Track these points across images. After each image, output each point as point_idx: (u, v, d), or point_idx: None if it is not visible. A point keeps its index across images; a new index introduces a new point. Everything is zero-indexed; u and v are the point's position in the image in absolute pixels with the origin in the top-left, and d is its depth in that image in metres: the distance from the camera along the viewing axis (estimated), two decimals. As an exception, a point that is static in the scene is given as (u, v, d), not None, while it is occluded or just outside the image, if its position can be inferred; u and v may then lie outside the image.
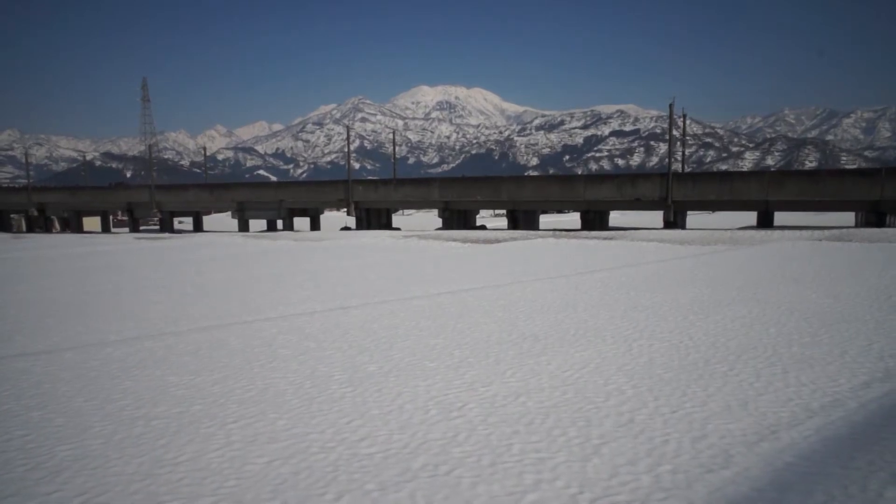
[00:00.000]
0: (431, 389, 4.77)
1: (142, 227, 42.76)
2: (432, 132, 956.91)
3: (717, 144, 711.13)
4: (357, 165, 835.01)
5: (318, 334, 6.67)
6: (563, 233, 23.44)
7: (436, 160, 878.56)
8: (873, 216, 22.13)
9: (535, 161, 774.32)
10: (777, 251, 13.80)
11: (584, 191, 26.75)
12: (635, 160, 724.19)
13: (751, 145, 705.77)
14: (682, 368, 5.21)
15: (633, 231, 22.34)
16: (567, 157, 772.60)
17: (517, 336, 6.41)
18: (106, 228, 47.70)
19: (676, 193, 24.86)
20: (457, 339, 6.35)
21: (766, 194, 23.83)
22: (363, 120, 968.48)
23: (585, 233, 22.82)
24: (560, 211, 44.12)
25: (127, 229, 44.50)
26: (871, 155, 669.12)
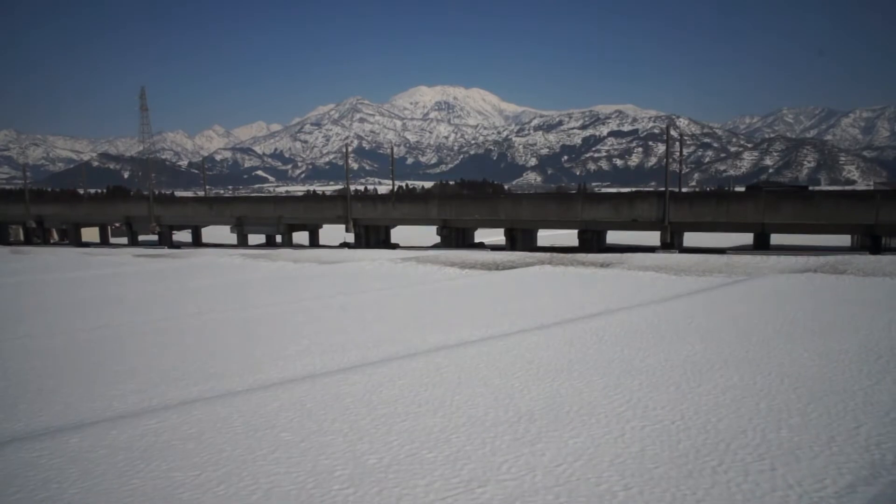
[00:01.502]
0: (430, 491, 4.92)
1: (140, 238, 42.85)
2: (431, 132, 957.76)
3: (715, 145, 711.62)
4: (355, 166, 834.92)
5: (318, 411, 6.83)
6: (560, 255, 23.60)
7: (434, 160, 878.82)
8: (868, 239, 22.37)
9: (533, 161, 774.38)
10: (771, 289, 13.96)
11: (582, 211, 26.98)
12: (633, 160, 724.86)
13: (749, 145, 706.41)
14: (672, 462, 5.37)
15: (629, 255, 22.49)
16: (565, 157, 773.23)
17: (513, 414, 6.57)
18: (104, 239, 47.84)
19: (673, 215, 25.08)
20: (454, 418, 6.50)
21: (762, 217, 24.07)
22: (361, 120, 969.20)
23: (582, 255, 22.99)
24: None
25: (126, 239, 44.64)
26: (869, 155, 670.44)
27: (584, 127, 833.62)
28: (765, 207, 23.85)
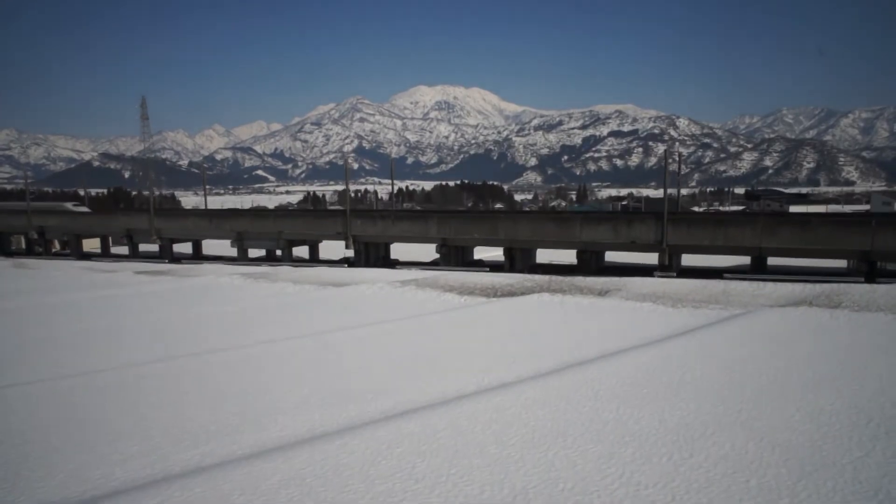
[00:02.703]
0: None
1: (141, 249, 43.05)
2: (431, 132, 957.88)
3: (715, 145, 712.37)
4: (355, 166, 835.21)
5: (318, 487, 6.95)
6: (559, 278, 23.73)
7: (434, 160, 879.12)
8: (864, 265, 22.57)
9: (533, 161, 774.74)
10: (766, 330, 14.10)
11: (581, 231, 27.13)
12: (633, 160, 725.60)
13: (749, 146, 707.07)
14: (662, 557, 5.50)
15: (628, 279, 22.64)
16: (565, 157, 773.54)
17: (508, 493, 6.70)
18: (105, 249, 48.01)
19: (671, 237, 25.24)
20: (451, 497, 6.63)
21: (760, 241, 24.25)
22: (361, 120, 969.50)
23: (581, 279, 23.16)
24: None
25: (127, 247, 44.80)
26: (868, 156, 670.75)
27: (584, 127, 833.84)
28: (762, 231, 24.03)
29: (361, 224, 32.33)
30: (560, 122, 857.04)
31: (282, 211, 35.92)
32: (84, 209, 54.62)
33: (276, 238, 34.63)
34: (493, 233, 29.13)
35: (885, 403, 9.40)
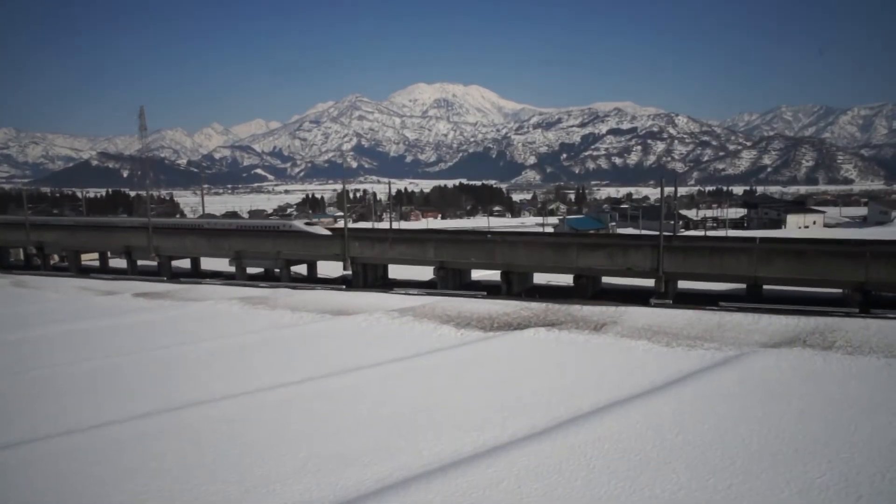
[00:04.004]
0: None
1: (140, 263, 42.96)
2: (430, 130, 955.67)
3: (714, 143, 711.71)
4: (354, 164, 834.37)
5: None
6: (556, 306, 23.87)
7: (433, 159, 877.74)
8: (859, 294, 22.71)
9: (532, 160, 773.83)
10: (759, 380, 14.22)
11: (577, 258, 27.26)
12: (632, 159, 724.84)
13: (748, 144, 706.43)
14: None
15: (624, 309, 22.79)
16: (564, 155, 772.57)
17: None
18: (104, 263, 48.03)
19: (667, 265, 25.38)
20: None
21: (755, 270, 24.40)
22: (360, 118, 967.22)
23: (577, 307, 23.36)
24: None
25: (126, 258, 44.75)
26: (867, 154, 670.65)
27: (583, 125, 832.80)
28: (757, 261, 24.20)
29: (359, 247, 32.43)
30: (559, 120, 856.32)
31: (281, 231, 35.84)
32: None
33: (275, 258, 34.73)
34: (490, 257, 29.28)
35: (874, 475, 9.52)
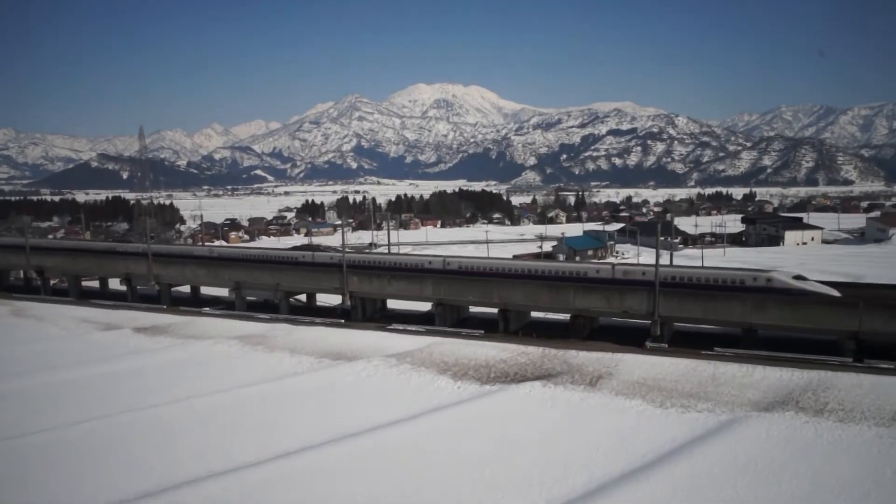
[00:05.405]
0: None
1: (139, 288, 43.02)
2: (430, 131, 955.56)
3: (714, 143, 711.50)
4: (354, 165, 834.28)
5: None
6: (552, 351, 24.08)
7: (433, 159, 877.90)
8: (853, 343, 22.86)
9: (532, 161, 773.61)
10: (749, 458, 14.38)
11: (574, 299, 27.41)
12: (632, 160, 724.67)
13: (748, 144, 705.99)
14: None
15: (620, 356, 23.01)
16: (564, 156, 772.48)
17: None
18: (104, 287, 48.19)
19: (663, 309, 25.53)
20: None
21: (750, 317, 24.58)
22: (360, 118, 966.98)
23: (574, 353, 23.64)
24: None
25: (125, 277, 44.87)
26: (867, 154, 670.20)
27: (582, 125, 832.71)
28: (752, 308, 24.36)
29: (358, 281, 32.52)
30: (559, 121, 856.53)
31: (280, 262, 35.99)
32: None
33: (274, 289, 34.89)
34: (488, 296, 29.46)
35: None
